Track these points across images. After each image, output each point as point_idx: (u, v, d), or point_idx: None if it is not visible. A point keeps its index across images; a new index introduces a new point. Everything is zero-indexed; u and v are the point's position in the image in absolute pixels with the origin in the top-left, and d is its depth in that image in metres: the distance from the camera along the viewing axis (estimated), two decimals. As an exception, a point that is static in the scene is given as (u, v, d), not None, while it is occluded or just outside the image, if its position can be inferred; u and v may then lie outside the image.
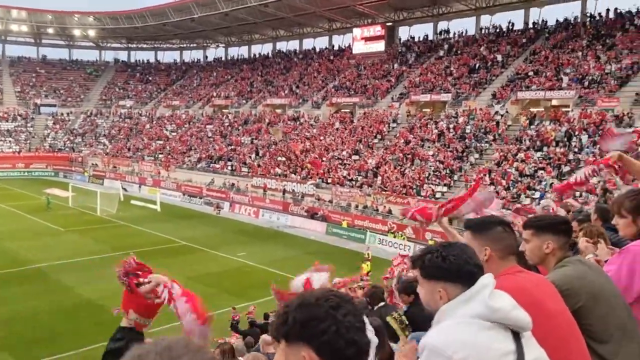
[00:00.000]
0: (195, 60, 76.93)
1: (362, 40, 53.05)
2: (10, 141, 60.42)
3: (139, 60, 79.38)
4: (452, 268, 1.82)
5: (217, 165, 47.37)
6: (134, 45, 78.51)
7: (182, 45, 76.99)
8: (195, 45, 76.20)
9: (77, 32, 72.06)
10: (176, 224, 34.92)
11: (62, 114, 67.02)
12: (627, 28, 36.65)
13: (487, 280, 1.80)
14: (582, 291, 2.41)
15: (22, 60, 73.86)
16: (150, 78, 74.52)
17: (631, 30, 36.09)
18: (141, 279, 2.15)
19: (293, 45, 65.16)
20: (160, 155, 53.53)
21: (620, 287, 2.59)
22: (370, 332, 1.43)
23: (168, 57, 79.99)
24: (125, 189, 45.72)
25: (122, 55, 80.00)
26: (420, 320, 4.58)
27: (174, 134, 57.92)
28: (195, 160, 49.93)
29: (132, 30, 67.17)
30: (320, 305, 1.41)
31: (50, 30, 71.45)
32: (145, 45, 78.59)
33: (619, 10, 39.03)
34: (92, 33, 71.56)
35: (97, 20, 67.87)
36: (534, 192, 27.89)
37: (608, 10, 39.71)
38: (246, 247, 28.78)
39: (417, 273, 1.94)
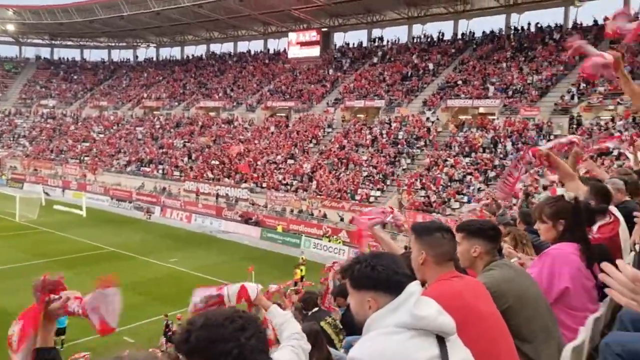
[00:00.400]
0: (125, 59, 74.14)
1: (298, 45, 53.24)
2: None
3: (63, 58, 75.44)
4: (381, 278, 1.81)
5: (148, 169, 45.87)
6: (58, 42, 74.57)
7: (110, 44, 73.96)
8: (124, 44, 73.44)
9: (-6, 26, 67.54)
10: (104, 229, 33.45)
11: (-24, 113, 62.60)
12: (546, 42, 38.94)
13: (413, 288, 1.80)
14: (509, 293, 2.51)
15: None
16: (75, 77, 71.01)
17: (550, 44, 38.38)
18: (52, 296, 2.10)
19: (227, 47, 64.40)
20: (87, 158, 51.17)
21: (541, 288, 2.73)
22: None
23: (95, 55, 76.68)
24: (47, 193, 43.37)
25: (45, 52, 75.78)
26: (356, 323, 4.77)
27: (101, 135, 55.54)
28: (124, 164, 48.11)
29: (56, 27, 63.81)
30: (225, 326, 1.40)
31: (-36, 23, 66.70)
32: (70, 43, 74.78)
33: (539, 25, 41.42)
34: (10, 27, 67.19)
35: (16, 15, 63.87)
36: (462, 196, 28.96)
37: (529, 24, 42.07)
38: (178, 253, 28.01)
39: (347, 283, 1.93)
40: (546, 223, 3.01)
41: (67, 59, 75.30)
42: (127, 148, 50.68)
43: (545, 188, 16.68)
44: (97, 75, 70.67)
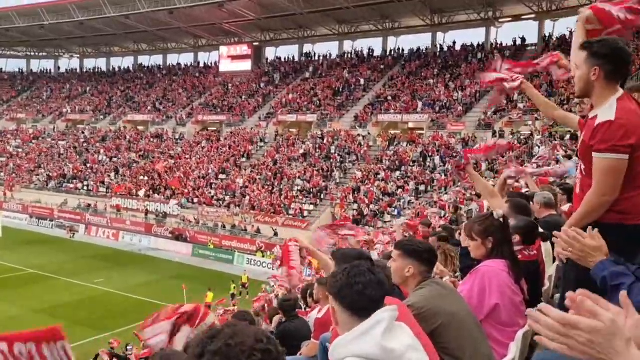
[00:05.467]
0: (46, 70, 70.49)
1: (229, 59, 52.82)
2: None
3: (-23, 68, 70.72)
4: (351, 295, 1.79)
5: (71, 185, 43.67)
6: (-30, 51, 69.85)
7: (29, 54, 70.01)
8: (45, 54, 69.78)
9: None
10: (22, 250, 31.43)
11: None
12: (470, 60, 40.88)
13: (383, 315, 1.70)
14: (439, 311, 2.56)
15: None
16: (-10, 88, 66.71)
17: (473, 62, 40.30)
18: None
19: (156, 60, 62.71)
20: (2, 174, 48.03)
21: (472, 305, 2.80)
22: None
23: (12, 65, 72.24)
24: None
25: (-45, 61, 70.66)
26: (290, 336, 5.02)
27: (19, 150, 52.38)
28: (44, 180, 45.56)
29: (-31, 34, 59.85)
30: (239, 358, 1.28)
31: None
32: (-17, 52, 70.27)
33: (463, 44, 43.47)
34: None
35: None
36: (394, 209, 29.60)
37: (455, 42, 44.06)
38: (104, 273, 26.79)
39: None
40: (476, 240, 3.08)
41: (-19, 68, 70.62)
42: (48, 163, 48.07)
43: (471, 200, 17.40)
44: (14, 87, 66.66)
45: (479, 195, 15.58)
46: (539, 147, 24.60)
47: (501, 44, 41.42)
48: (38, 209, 41.67)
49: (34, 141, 53.45)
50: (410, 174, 32.32)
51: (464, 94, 37.04)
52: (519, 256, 3.17)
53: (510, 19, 41.53)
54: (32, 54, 69.64)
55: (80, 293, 23.56)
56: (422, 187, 30.75)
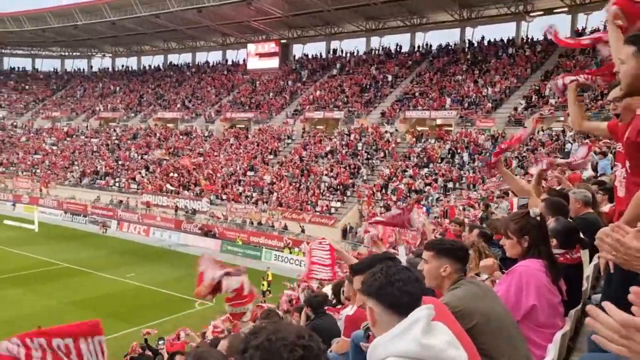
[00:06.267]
0: (79, 69, 72.19)
1: (257, 56, 53.14)
2: None
3: (14, 68, 72.81)
4: (393, 294, 1.78)
5: (104, 182, 44.65)
6: (8, 51, 71.92)
7: (63, 54, 71.81)
8: (78, 53, 71.48)
9: (-62, 34, 64.48)
10: (57, 244, 32.30)
11: None
12: (500, 55, 40.21)
13: (420, 313, 1.69)
14: (474, 311, 2.51)
15: None
16: (26, 87, 68.56)
17: (504, 57, 39.64)
18: None
19: (185, 58, 63.56)
20: (38, 171, 49.40)
21: (508, 305, 2.74)
22: None
23: (47, 65, 74.26)
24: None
25: (-6, 61, 72.94)
26: (319, 333, 4.86)
27: (54, 147, 53.77)
28: (78, 176, 46.67)
29: (6, 35, 61.54)
30: (282, 355, 1.32)
31: None
32: (21, 52, 72.25)
33: (493, 39, 42.80)
34: (-44, 35, 64.43)
35: (-37, 22, 61.39)
36: (422, 207, 29.35)
37: (483, 37, 43.41)
38: (135, 268, 27.31)
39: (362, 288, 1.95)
40: (511, 239, 3.04)
41: (18, 68, 72.73)
42: (82, 160, 49.22)
43: (502, 197, 17.10)
44: (49, 86, 68.49)
45: (508, 193, 15.33)
46: (570, 144, 24.09)
47: (532, 38, 40.55)
48: (72, 204, 42.73)
49: (68, 139, 54.78)
50: (438, 171, 32.02)
51: (494, 90, 36.48)
52: (560, 259, 3.11)
53: (541, 12, 40.60)
54: (66, 53, 71.46)
55: (112, 287, 24.06)
56: (450, 184, 30.45)
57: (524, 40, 40.93)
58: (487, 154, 31.11)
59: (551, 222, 3.29)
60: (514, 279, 2.87)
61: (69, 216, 41.41)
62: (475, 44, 43.60)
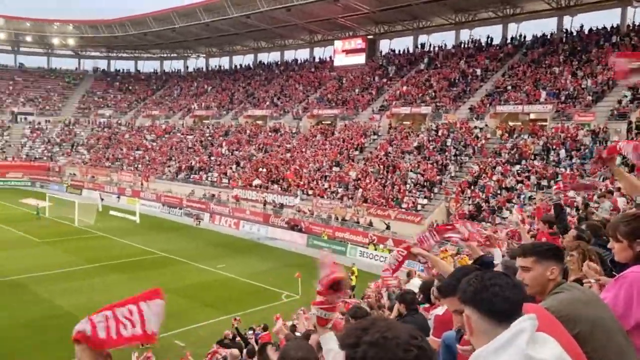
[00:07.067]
0: (176, 70, 76.57)
1: (343, 53, 53.45)
2: (-16, 150, 59.21)
3: (119, 70, 78.66)
4: (490, 300, 1.68)
5: (197, 176, 47.02)
6: (114, 55, 77.83)
7: (162, 55, 76.57)
8: (175, 55, 75.88)
9: (55, 41, 71.05)
10: (155, 235, 34.49)
11: (39, 123, 65.94)
12: (602, 44, 37.52)
13: (524, 324, 1.55)
14: (578, 318, 2.34)
15: (-2, 68, 72.62)
16: (130, 87, 73.91)
17: (606, 46, 36.95)
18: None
19: (274, 56, 65.40)
20: (140, 166, 52.96)
21: (617, 314, 2.53)
22: None
23: (148, 66, 79.53)
24: (102, 199, 45.04)
25: (102, 64, 79.32)
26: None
27: (153, 144, 57.39)
28: (175, 171, 49.50)
29: (112, 39, 66.60)
30: (397, 354, 1.30)
31: (29, 38, 70.42)
32: (125, 55, 77.98)
33: (594, 27, 40.01)
34: (71, 41, 70.64)
35: (76, 29, 67.12)
36: (513, 205, 28.18)
37: (582, 26, 40.69)
38: (226, 259, 28.51)
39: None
40: (621, 242, 2.81)
41: (123, 70, 78.51)
42: (178, 156, 52.14)
43: (603, 196, 15.99)
44: (149, 86, 73.31)
45: (612, 192, 14.36)
46: None
47: (639, 25, 37.41)
48: (169, 198, 45.43)
49: (165, 136, 58.24)
50: (531, 168, 30.54)
51: (594, 82, 34.13)
52: None
53: (651, -4, 37.41)
54: (165, 55, 76.07)
55: (205, 277, 25.29)
56: (544, 182, 28.93)
57: (630, 27, 37.87)
58: (587, 150, 29.26)
59: None
60: (623, 285, 2.64)
61: (166, 208, 44.06)
62: (575, 33, 41.00)
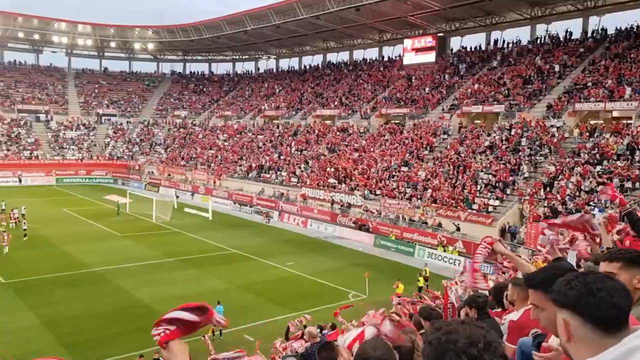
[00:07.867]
0: (247, 71, 78.66)
1: (413, 51, 52.79)
2: (73, 149, 63.43)
3: (194, 72, 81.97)
4: (597, 305, 1.50)
5: (267, 175, 48.06)
6: (189, 57, 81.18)
7: (234, 57, 78.96)
8: (247, 57, 78.00)
9: (136, 46, 75.13)
10: (227, 232, 35.60)
11: (121, 124, 69.93)
12: (695, 36, 34.85)
13: (638, 341, 1.33)
14: None
15: (86, 72, 77.56)
16: (204, 89, 76.82)
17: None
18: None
19: (343, 56, 65.63)
20: (213, 165, 54.83)
21: None
22: None
23: (221, 68, 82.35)
24: (177, 197, 47.00)
25: (178, 67, 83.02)
26: None
27: (226, 143, 59.24)
28: (245, 170, 50.84)
29: (188, 43, 69.39)
30: (445, 358, 1.31)
31: (113, 44, 74.72)
32: (199, 57, 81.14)
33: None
34: (150, 46, 74.47)
35: (155, 34, 70.54)
36: (593, 207, 26.76)
37: (674, 17, 37.95)
38: (294, 257, 28.97)
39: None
40: None
41: (197, 72, 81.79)
42: (249, 155, 53.53)
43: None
44: (222, 87, 75.82)
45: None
46: None
47: None
48: (240, 196, 46.75)
49: (237, 135, 59.95)
50: (614, 169, 28.83)
51: (686, 77, 31.74)
52: None
53: None
54: (237, 57, 78.41)
55: (274, 274, 25.82)
56: (628, 184, 27.25)
57: None
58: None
59: None
60: None
61: (237, 206, 45.36)
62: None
